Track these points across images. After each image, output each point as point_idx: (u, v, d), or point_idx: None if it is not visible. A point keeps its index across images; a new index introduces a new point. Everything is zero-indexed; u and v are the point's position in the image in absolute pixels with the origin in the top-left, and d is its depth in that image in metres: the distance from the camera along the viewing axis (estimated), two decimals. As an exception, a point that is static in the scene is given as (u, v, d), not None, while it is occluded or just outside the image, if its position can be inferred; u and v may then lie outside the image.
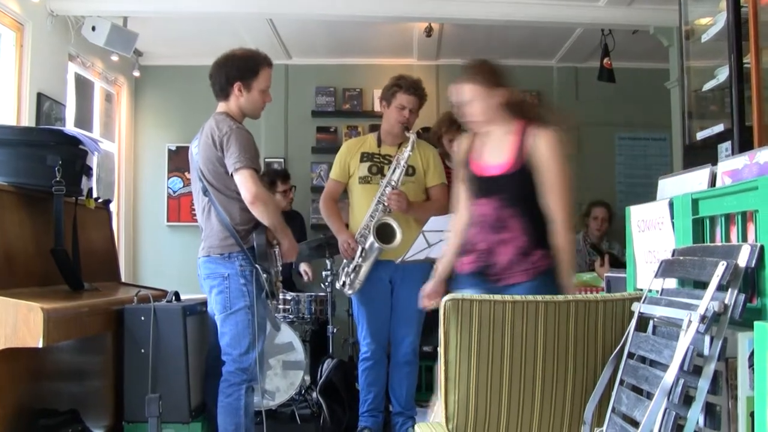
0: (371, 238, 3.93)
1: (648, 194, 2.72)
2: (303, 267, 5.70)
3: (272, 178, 5.51)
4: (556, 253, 2.90)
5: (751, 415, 1.64)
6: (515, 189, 2.95)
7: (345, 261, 4.13)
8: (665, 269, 2.10)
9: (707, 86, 3.72)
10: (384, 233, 3.94)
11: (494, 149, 3.04)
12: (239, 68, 3.44)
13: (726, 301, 1.71)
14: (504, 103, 3.01)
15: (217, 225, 3.35)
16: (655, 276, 2.13)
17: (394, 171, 3.99)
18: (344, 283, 4.10)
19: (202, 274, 3.44)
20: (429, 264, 3.99)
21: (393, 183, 3.97)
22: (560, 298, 2.23)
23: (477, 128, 3.09)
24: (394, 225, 3.93)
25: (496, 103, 2.99)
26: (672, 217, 2.25)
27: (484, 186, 3.04)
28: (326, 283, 4.96)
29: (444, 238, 3.51)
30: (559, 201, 2.89)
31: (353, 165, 4.16)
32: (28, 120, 4.58)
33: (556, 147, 2.90)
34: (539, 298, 2.22)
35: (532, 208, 2.91)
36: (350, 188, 4.22)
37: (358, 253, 4.01)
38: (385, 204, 3.95)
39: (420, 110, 4.23)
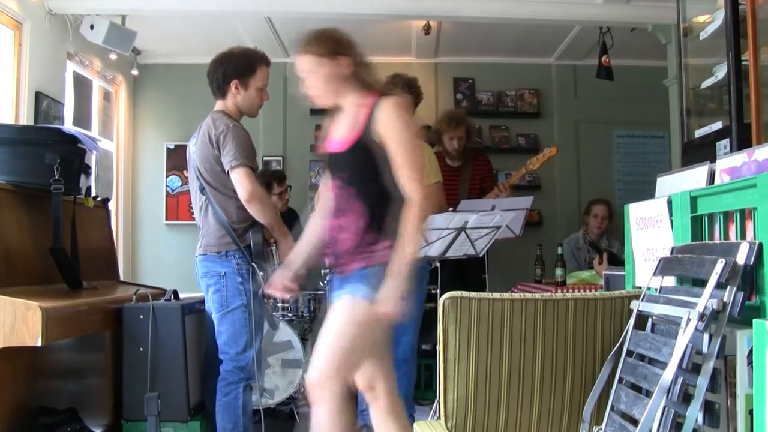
0: None
1: (646, 192, 2.72)
2: None
3: (268, 180, 5.48)
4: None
5: (750, 412, 1.65)
6: (354, 166, 2.63)
7: None
8: (664, 267, 2.10)
9: (705, 84, 3.71)
10: None
11: (342, 124, 2.72)
12: (236, 66, 3.44)
13: (725, 299, 1.71)
14: (352, 74, 2.68)
15: (214, 223, 3.35)
16: (654, 274, 2.13)
17: None
18: None
19: (199, 273, 3.44)
20: (426, 262, 3.99)
21: None
22: (559, 295, 2.23)
23: (323, 103, 2.77)
24: None
25: (340, 73, 2.66)
26: (670, 215, 2.25)
27: (330, 165, 2.77)
28: (325, 281, 4.96)
29: (442, 235, 3.52)
30: (406, 175, 2.51)
31: None
32: (26, 119, 4.58)
33: (399, 116, 2.55)
34: (537, 295, 2.22)
35: (379, 189, 2.57)
36: None
37: None
38: None
39: (416, 109, 4.20)
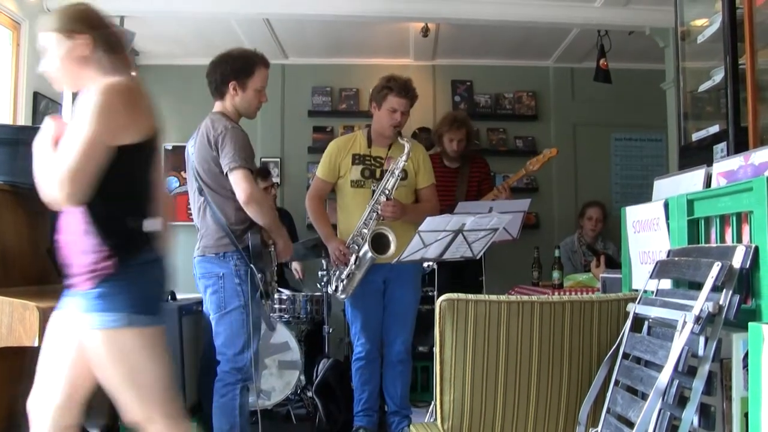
0: (366, 248, 3.90)
1: (643, 195, 2.72)
2: (295, 265, 5.72)
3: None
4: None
5: (746, 415, 1.65)
6: None
7: (336, 266, 4.09)
8: (660, 270, 2.11)
9: (703, 87, 3.72)
10: (378, 242, 3.91)
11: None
12: (234, 67, 3.44)
13: (720, 302, 1.72)
14: (95, 57, 2.32)
15: (213, 225, 3.35)
16: (650, 277, 2.14)
17: (388, 180, 3.96)
18: (336, 288, 4.07)
19: (197, 274, 3.44)
20: (420, 264, 4.00)
21: (387, 192, 3.94)
22: (555, 298, 2.23)
23: (62, 87, 2.47)
24: (389, 236, 3.90)
25: (78, 55, 2.32)
26: (667, 218, 2.25)
27: None
28: (322, 283, 4.96)
29: (439, 237, 3.52)
30: (58, 161, 2.11)
31: (344, 166, 4.12)
32: (24, 119, 4.59)
33: (92, 100, 2.15)
34: (534, 298, 2.22)
35: (100, 186, 2.17)
36: (340, 190, 4.17)
37: (352, 260, 3.96)
38: (379, 212, 3.93)
39: (411, 110, 4.18)
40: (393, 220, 3.93)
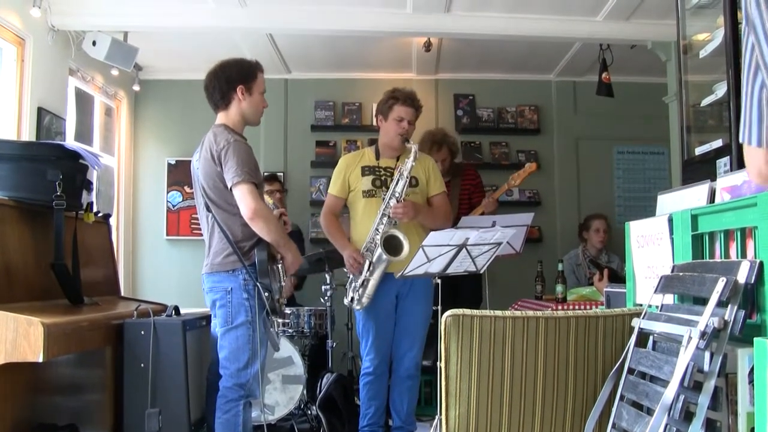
0: (379, 251, 3.88)
1: (646, 208, 2.73)
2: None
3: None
4: None
5: (752, 430, 1.65)
6: None
7: (352, 276, 4.06)
8: (665, 285, 2.11)
9: (705, 101, 3.73)
10: (391, 245, 3.91)
11: None
12: (239, 72, 3.45)
13: (726, 317, 1.72)
14: None
15: (220, 242, 3.33)
16: (655, 291, 2.14)
17: (397, 183, 3.97)
18: (352, 299, 4.04)
19: (205, 288, 3.42)
20: (432, 279, 4.00)
21: (397, 195, 3.95)
22: (560, 313, 2.23)
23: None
24: (401, 236, 3.90)
25: None
26: (671, 233, 2.26)
27: None
28: (326, 298, 4.96)
29: (443, 252, 3.52)
30: None
31: (354, 179, 4.15)
32: (28, 134, 4.60)
33: None
34: (539, 313, 2.22)
35: None
36: (352, 202, 4.19)
37: (366, 267, 3.95)
38: (390, 216, 3.93)
39: (416, 121, 4.21)
40: (405, 220, 3.93)
